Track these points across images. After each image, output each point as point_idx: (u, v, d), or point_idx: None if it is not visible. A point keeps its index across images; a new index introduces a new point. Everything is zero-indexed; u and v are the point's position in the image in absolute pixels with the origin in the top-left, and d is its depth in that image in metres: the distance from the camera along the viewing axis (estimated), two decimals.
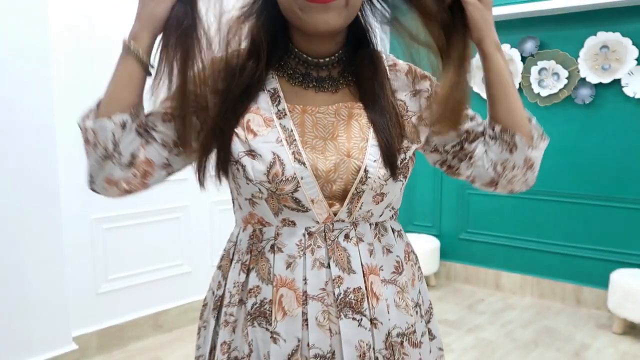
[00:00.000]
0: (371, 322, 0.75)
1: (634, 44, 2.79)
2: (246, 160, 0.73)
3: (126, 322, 2.53)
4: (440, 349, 0.91)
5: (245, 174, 0.73)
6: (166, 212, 2.66)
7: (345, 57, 0.80)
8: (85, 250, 2.37)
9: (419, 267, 0.89)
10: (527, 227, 3.27)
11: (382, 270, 0.78)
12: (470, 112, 0.84)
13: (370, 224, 0.78)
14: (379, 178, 0.73)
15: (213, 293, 0.88)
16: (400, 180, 0.77)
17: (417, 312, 0.83)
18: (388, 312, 0.77)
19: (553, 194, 3.15)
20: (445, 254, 3.59)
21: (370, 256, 0.76)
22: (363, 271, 0.75)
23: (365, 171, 0.73)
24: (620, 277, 2.70)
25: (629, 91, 2.83)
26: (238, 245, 0.82)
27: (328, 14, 0.70)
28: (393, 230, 0.82)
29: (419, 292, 0.86)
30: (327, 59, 0.78)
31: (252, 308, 0.77)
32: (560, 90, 3.03)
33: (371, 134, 0.75)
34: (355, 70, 0.80)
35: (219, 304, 0.85)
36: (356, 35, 0.81)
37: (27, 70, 2.01)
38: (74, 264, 2.31)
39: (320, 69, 0.79)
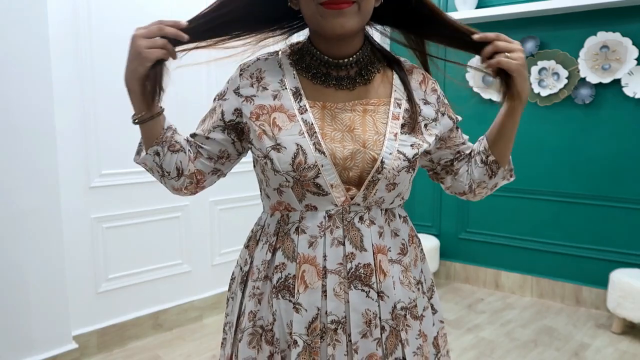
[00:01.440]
0: (378, 295, 0.86)
1: (634, 44, 2.79)
2: (273, 154, 0.84)
3: (126, 321, 2.53)
4: (442, 321, 1.02)
5: (273, 166, 0.84)
6: (166, 211, 2.66)
7: (362, 58, 0.90)
8: (85, 249, 2.37)
9: (422, 249, 1.01)
10: (527, 227, 3.27)
11: (389, 251, 0.89)
12: (464, 136, 1.03)
13: (381, 210, 0.89)
14: (393, 169, 0.85)
15: (241, 269, 0.99)
16: (411, 173, 0.89)
17: (419, 289, 0.95)
18: (394, 287, 0.88)
19: (553, 194, 3.15)
20: (445, 253, 3.60)
21: (380, 238, 0.88)
22: (373, 250, 0.86)
23: (382, 162, 0.84)
24: (620, 277, 2.70)
25: (629, 91, 2.83)
26: (266, 229, 0.93)
27: (344, 18, 0.81)
28: (400, 216, 0.94)
29: (421, 271, 0.98)
30: (345, 60, 0.89)
31: (277, 282, 0.88)
32: (560, 90, 3.03)
33: (388, 128, 0.87)
34: (373, 70, 0.92)
35: (245, 278, 0.96)
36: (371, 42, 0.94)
37: (27, 70, 2.01)
38: (74, 263, 2.32)
39: (339, 69, 0.89)
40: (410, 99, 0.91)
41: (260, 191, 0.96)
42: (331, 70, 0.89)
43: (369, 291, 0.85)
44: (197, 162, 0.95)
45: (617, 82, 2.86)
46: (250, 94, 0.90)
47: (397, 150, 0.86)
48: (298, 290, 0.85)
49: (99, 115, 2.35)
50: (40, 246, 2.11)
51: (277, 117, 0.86)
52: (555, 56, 3.03)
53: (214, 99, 1.00)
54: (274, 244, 0.90)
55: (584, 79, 2.94)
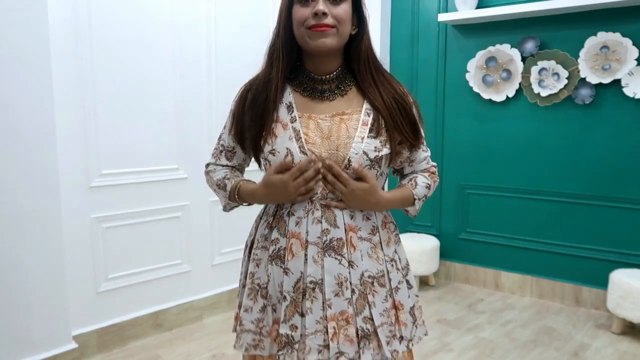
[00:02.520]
0: (349, 263, 1.10)
1: (634, 44, 2.79)
2: (271, 157, 1.11)
3: (126, 320, 2.53)
4: (417, 296, 1.26)
5: (271, 166, 1.11)
6: (166, 211, 2.66)
7: (340, 75, 1.15)
8: (85, 249, 2.37)
9: (397, 234, 1.24)
10: (527, 227, 3.27)
11: (360, 230, 1.12)
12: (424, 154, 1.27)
13: None
14: (358, 164, 1.09)
15: (249, 239, 1.26)
16: (376, 169, 1.12)
17: (393, 265, 1.17)
18: (362, 259, 1.11)
19: (553, 194, 3.15)
20: (444, 253, 3.60)
21: (351, 219, 1.11)
22: (345, 228, 1.10)
23: (349, 161, 1.09)
24: (620, 277, 2.70)
25: (629, 91, 2.82)
26: (267, 211, 1.20)
27: (325, 38, 1.07)
28: None
29: (395, 252, 1.20)
30: (327, 76, 1.14)
31: (272, 252, 1.14)
32: (561, 90, 3.03)
33: (357, 133, 1.10)
34: (348, 84, 1.16)
35: (250, 246, 1.24)
36: (350, 61, 1.16)
37: (27, 70, 2.01)
38: (74, 263, 2.32)
39: (323, 83, 1.14)
40: (376, 107, 1.12)
41: None
42: (317, 84, 1.14)
43: (341, 259, 1.09)
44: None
45: (617, 83, 2.86)
46: None
47: (363, 151, 1.09)
48: (287, 259, 1.10)
49: (99, 115, 2.35)
50: (40, 246, 2.11)
51: (275, 127, 1.12)
52: (556, 56, 3.02)
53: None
54: (271, 223, 1.16)
55: (584, 79, 2.94)
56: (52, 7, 2.14)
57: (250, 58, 2.98)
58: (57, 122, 2.16)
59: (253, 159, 1.25)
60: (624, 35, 2.80)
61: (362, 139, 1.09)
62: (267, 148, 1.11)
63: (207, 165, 1.29)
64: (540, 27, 3.08)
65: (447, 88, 3.48)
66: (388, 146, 1.12)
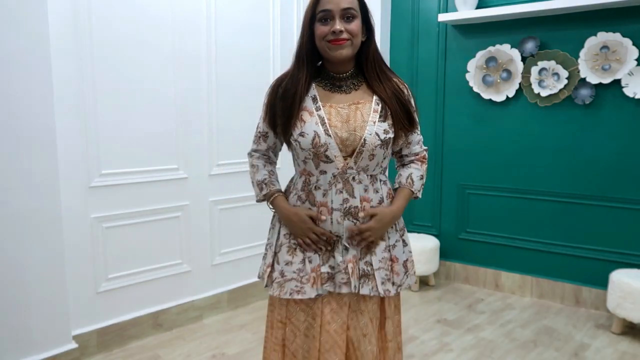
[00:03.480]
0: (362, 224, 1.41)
1: (634, 44, 2.79)
2: (300, 139, 1.38)
3: (126, 320, 2.53)
4: (410, 252, 1.54)
5: (300, 146, 1.38)
6: (166, 211, 2.66)
7: (354, 73, 1.44)
8: (85, 249, 2.37)
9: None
10: (526, 227, 3.27)
11: (371, 201, 1.42)
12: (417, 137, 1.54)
13: (367, 175, 1.42)
14: (371, 144, 1.36)
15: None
16: (384, 149, 1.40)
17: (392, 227, 1.48)
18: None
19: (553, 194, 3.15)
20: (444, 253, 3.60)
21: (365, 192, 1.41)
22: (360, 198, 1.40)
23: (364, 140, 1.36)
24: (620, 277, 2.70)
25: (629, 91, 2.83)
26: (295, 185, 1.48)
27: (342, 49, 1.36)
28: (381, 180, 1.46)
29: None
30: (343, 75, 1.43)
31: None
32: (561, 90, 3.03)
33: (370, 118, 1.38)
34: (360, 80, 1.45)
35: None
36: (360, 62, 1.45)
37: (27, 70, 2.02)
38: (73, 263, 2.32)
39: (340, 80, 1.43)
40: (384, 100, 1.40)
41: (294, 162, 1.49)
42: (335, 81, 1.43)
43: (356, 222, 1.41)
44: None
45: (617, 83, 2.86)
46: None
47: (375, 133, 1.37)
48: (317, 223, 1.42)
49: (99, 115, 2.35)
50: (40, 246, 2.11)
51: (303, 115, 1.39)
52: (556, 56, 3.02)
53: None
54: (301, 195, 1.44)
55: (584, 79, 2.94)
56: (52, 7, 2.14)
57: (250, 58, 2.98)
58: (57, 122, 2.16)
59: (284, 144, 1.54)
60: (624, 36, 2.80)
61: (374, 122, 1.37)
62: (296, 131, 1.38)
63: (251, 154, 1.56)
64: (540, 27, 3.08)
65: (447, 88, 3.48)
66: (393, 130, 1.40)
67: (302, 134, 1.36)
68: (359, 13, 1.37)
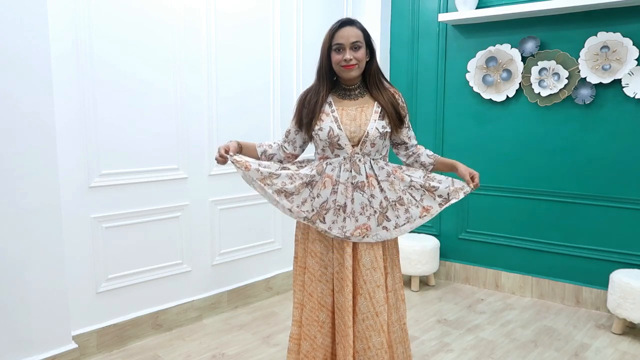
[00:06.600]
0: (370, 196, 1.78)
1: (634, 44, 2.79)
2: (319, 132, 1.79)
3: (126, 321, 2.53)
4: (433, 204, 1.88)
5: (319, 137, 1.80)
6: (166, 211, 2.66)
7: (360, 85, 1.85)
8: (85, 249, 2.37)
9: (408, 174, 1.86)
10: (527, 227, 3.27)
11: (378, 176, 1.80)
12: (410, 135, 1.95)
13: (371, 159, 1.79)
14: (373, 135, 1.77)
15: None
16: (382, 140, 1.80)
17: (412, 187, 1.84)
18: (381, 192, 1.80)
19: (553, 194, 3.15)
20: (445, 253, 3.60)
21: (370, 169, 1.79)
22: (366, 175, 1.78)
23: (367, 132, 1.77)
24: (620, 278, 2.70)
25: (629, 91, 2.83)
26: (314, 163, 1.86)
27: (352, 72, 1.78)
28: (382, 160, 1.83)
29: (411, 179, 1.85)
30: (352, 86, 1.84)
31: (307, 180, 1.82)
32: (561, 90, 3.03)
33: (372, 117, 1.79)
34: (365, 90, 1.87)
35: (308, 180, 1.84)
36: (365, 76, 1.86)
37: (27, 70, 2.01)
38: (73, 263, 2.32)
39: (350, 90, 1.84)
40: (382, 105, 1.81)
41: (315, 151, 1.88)
42: (346, 91, 1.85)
43: (364, 194, 1.77)
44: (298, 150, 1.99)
45: (617, 83, 2.86)
46: None
47: (375, 127, 1.78)
48: (319, 187, 1.80)
49: (98, 115, 2.35)
50: (40, 246, 2.11)
51: (322, 116, 1.82)
52: (556, 56, 3.02)
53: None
54: (318, 171, 1.82)
55: (584, 79, 2.94)
56: (52, 6, 2.14)
57: (250, 58, 2.98)
58: (57, 122, 2.16)
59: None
60: (624, 36, 2.80)
61: (375, 120, 1.79)
62: (317, 127, 1.80)
63: (281, 145, 1.95)
64: (540, 27, 3.08)
65: (447, 88, 3.48)
66: (389, 127, 1.82)
67: (321, 129, 1.79)
68: (363, 43, 1.77)
